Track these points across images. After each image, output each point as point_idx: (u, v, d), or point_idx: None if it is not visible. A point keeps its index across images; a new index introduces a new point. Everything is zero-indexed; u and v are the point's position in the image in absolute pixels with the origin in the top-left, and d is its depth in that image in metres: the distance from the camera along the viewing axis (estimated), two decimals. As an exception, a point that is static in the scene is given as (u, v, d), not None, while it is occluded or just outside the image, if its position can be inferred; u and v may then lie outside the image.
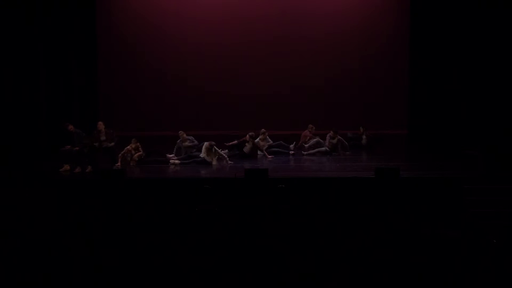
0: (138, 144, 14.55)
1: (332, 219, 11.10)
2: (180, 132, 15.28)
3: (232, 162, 14.43)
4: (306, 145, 16.00)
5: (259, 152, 15.28)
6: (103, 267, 8.92)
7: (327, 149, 15.75)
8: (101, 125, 13.53)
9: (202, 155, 14.28)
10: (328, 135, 16.29)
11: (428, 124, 17.66)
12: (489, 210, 11.82)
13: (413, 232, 10.43)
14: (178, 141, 15.11)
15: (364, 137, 16.95)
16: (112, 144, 13.43)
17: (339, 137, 16.17)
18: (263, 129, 15.93)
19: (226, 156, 14.56)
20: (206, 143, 14.39)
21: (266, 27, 19.55)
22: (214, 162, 14.31)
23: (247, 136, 15.29)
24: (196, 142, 15.09)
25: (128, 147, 14.36)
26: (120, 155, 14.13)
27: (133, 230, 10.73)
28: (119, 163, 13.99)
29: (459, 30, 17.04)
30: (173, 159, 14.50)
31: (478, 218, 11.59)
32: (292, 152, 15.90)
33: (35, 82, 16.55)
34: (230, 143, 15.61)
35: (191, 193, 11.88)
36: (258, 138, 15.57)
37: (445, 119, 17.31)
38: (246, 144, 15.17)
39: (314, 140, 15.93)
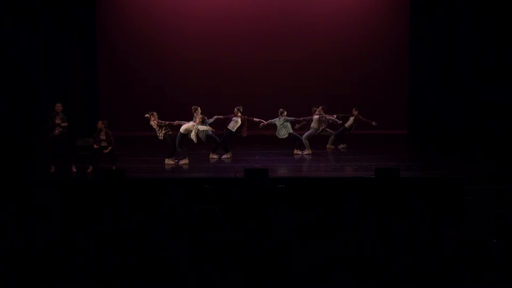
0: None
1: (332, 219, 11.11)
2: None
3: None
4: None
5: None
6: (104, 267, 8.92)
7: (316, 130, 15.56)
8: (100, 124, 13.50)
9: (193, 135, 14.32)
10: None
11: (428, 124, 17.64)
12: (489, 210, 11.81)
13: (413, 232, 10.43)
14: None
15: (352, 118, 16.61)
16: (109, 149, 13.40)
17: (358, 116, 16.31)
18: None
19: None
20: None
21: (266, 27, 19.56)
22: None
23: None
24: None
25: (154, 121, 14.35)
26: (157, 125, 14.30)
27: (134, 230, 10.73)
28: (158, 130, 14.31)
29: (459, 30, 17.03)
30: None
31: (478, 218, 11.58)
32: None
33: (35, 82, 16.53)
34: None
35: (191, 193, 11.88)
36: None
37: (445, 119, 17.29)
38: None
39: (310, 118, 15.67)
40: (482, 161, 13.97)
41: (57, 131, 13.29)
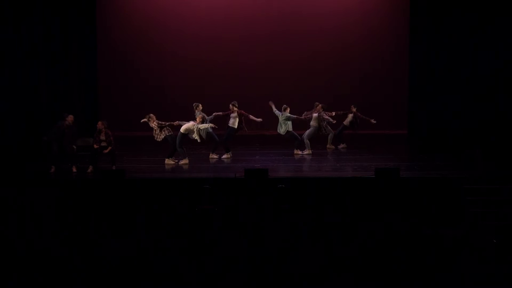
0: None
1: (333, 219, 11.11)
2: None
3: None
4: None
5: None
6: (104, 267, 8.92)
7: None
8: (100, 125, 13.49)
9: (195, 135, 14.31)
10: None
11: (428, 124, 17.64)
12: (489, 210, 11.81)
13: (413, 232, 10.43)
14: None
15: (351, 115, 16.71)
16: (109, 149, 13.39)
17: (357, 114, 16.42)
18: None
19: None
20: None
21: (266, 27, 19.57)
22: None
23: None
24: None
25: (154, 123, 14.39)
26: (157, 126, 14.32)
27: (133, 230, 10.74)
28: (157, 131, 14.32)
29: (459, 30, 17.02)
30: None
31: (478, 218, 11.58)
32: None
33: (35, 82, 16.53)
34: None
35: (191, 193, 11.88)
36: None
37: (445, 119, 17.29)
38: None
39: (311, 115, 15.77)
40: (482, 161, 13.99)
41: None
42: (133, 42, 19.64)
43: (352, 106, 16.57)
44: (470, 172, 13.10)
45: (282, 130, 15.36)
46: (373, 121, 16.42)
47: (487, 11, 16.56)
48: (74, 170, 13.44)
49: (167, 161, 14.39)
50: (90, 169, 13.39)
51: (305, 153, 15.43)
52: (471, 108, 16.89)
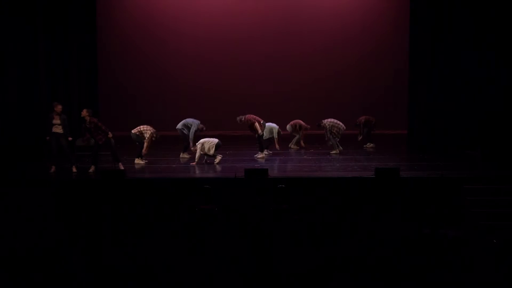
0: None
1: (332, 219, 11.12)
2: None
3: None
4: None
5: None
6: (104, 267, 8.93)
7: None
8: (85, 112, 13.38)
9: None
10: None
11: (428, 124, 17.64)
12: (489, 210, 11.82)
13: (413, 232, 10.44)
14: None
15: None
16: (110, 134, 13.31)
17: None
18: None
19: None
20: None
21: (266, 27, 19.63)
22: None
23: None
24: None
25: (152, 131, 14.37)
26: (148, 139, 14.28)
27: (133, 230, 10.74)
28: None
29: (459, 30, 17.02)
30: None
31: (478, 218, 11.59)
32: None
33: (35, 82, 16.53)
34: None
35: (191, 193, 11.88)
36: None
37: (445, 119, 17.28)
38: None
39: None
40: (481, 161, 13.98)
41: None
42: (133, 42, 19.70)
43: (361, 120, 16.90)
44: (470, 172, 13.10)
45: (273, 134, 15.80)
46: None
47: (487, 11, 16.55)
48: (74, 170, 13.43)
49: (136, 160, 14.29)
50: (92, 169, 13.36)
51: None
52: (471, 108, 16.88)
